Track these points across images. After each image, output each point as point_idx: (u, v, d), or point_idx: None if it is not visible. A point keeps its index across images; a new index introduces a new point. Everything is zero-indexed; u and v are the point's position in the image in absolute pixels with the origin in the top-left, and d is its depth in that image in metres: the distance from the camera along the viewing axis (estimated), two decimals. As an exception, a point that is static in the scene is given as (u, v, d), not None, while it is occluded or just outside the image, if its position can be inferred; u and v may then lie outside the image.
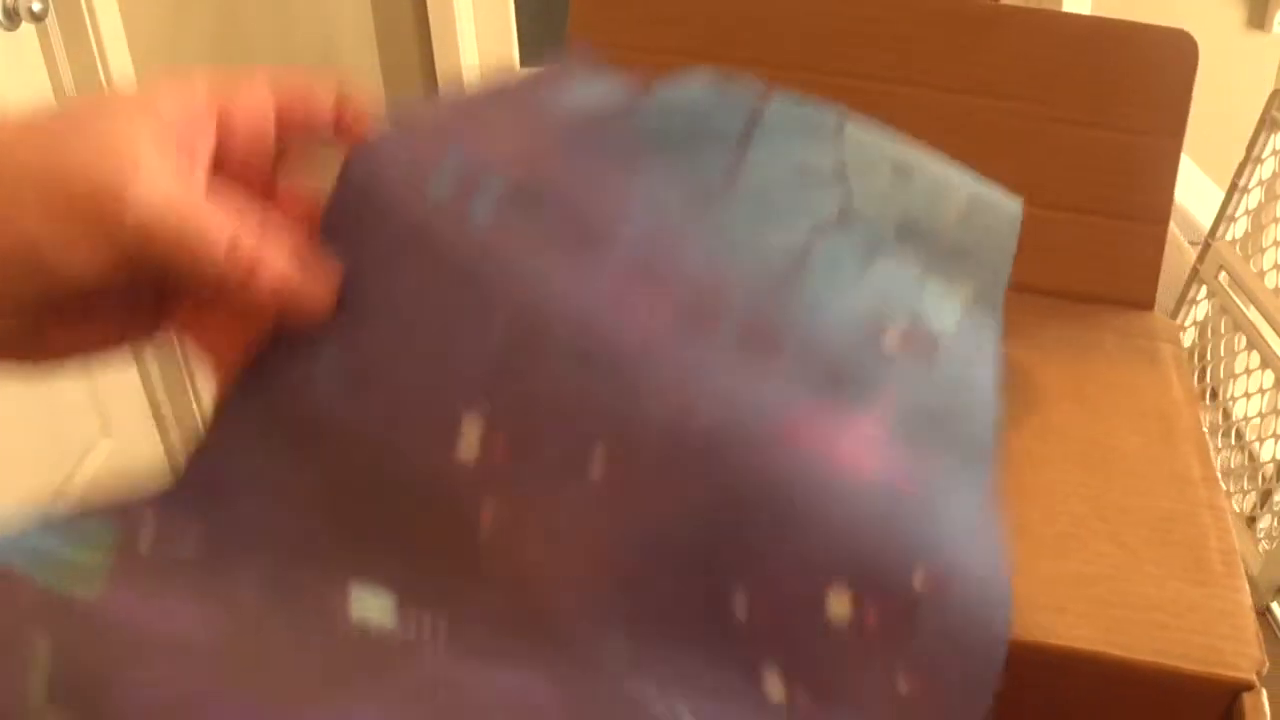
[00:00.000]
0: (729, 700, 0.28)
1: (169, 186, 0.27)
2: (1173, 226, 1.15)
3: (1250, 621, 0.38)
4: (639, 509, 0.29)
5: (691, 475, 0.29)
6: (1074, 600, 0.38)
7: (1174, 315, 0.75)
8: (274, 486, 0.30)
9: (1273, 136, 1.61)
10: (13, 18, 1.21)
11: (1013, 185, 0.48)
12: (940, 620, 0.29)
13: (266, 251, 0.29)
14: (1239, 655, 0.37)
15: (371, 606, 0.28)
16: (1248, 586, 0.39)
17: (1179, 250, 1.11)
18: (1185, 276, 0.93)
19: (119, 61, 1.37)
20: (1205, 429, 0.46)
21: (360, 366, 0.30)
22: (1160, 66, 0.51)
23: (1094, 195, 0.53)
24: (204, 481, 0.30)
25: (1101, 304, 0.53)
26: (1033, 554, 0.39)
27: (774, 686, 0.29)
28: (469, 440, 0.29)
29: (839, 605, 0.29)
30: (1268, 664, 0.37)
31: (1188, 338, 1.77)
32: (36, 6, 1.22)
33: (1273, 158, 1.62)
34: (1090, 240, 0.53)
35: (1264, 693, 0.36)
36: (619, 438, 0.29)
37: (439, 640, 0.27)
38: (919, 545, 0.30)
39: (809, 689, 0.29)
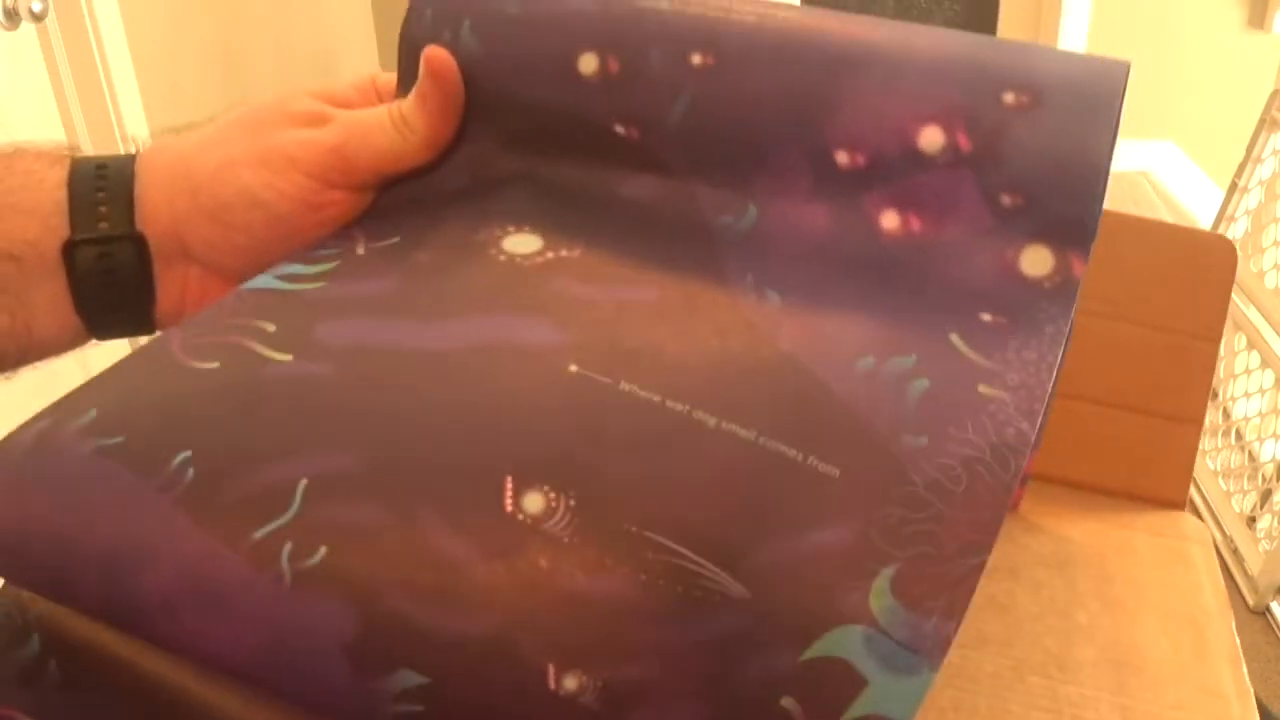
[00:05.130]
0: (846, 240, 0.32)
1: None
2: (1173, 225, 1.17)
3: None
4: (738, 87, 0.34)
5: (781, 59, 0.33)
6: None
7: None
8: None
9: (1273, 136, 1.61)
10: (13, 18, 1.20)
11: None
12: (1034, 135, 0.31)
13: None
14: None
15: (521, 243, 0.34)
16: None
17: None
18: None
19: (119, 61, 1.36)
20: (1238, 641, 0.46)
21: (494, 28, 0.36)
22: (1199, 269, 0.53)
23: (1128, 391, 0.53)
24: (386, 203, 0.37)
25: (1132, 500, 0.53)
26: (1069, 761, 0.38)
27: (890, 220, 0.32)
28: (588, 63, 0.35)
29: (930, 139, 0.32)
30: None
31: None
32: (36, 6, 1.21)
33: (1273, 158, 1.62)
34: (1122, 436, 0.53)
35: None
36: (710, 40, 0.34)
37: (573, 265, 0.33)
38: (1007, 71, 0.32)
39: (919, 214, 0.32)
